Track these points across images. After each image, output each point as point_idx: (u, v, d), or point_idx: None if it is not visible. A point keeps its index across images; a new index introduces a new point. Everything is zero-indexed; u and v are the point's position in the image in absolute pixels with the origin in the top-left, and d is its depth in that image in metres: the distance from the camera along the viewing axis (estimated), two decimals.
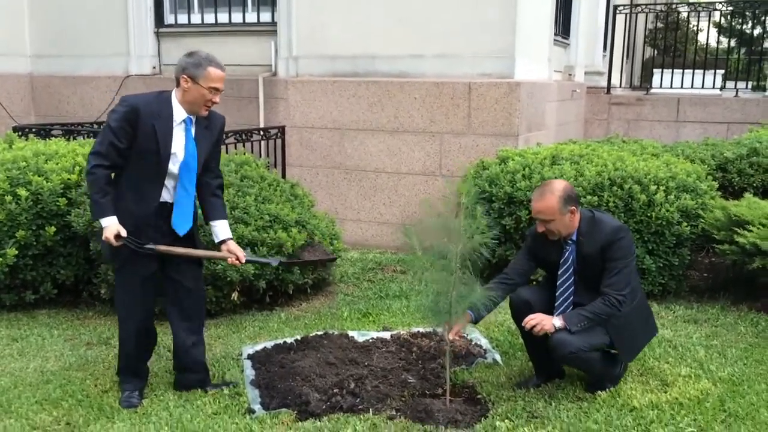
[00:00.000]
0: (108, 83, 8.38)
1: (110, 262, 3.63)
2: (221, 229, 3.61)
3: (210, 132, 3.52)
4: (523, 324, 3.51)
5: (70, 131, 7.00)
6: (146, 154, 3.33)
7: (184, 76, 3.31)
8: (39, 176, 4.82)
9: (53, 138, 6.48)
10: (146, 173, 3.37)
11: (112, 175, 3.37)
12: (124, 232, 3.31)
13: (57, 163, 5.01)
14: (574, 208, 3.48)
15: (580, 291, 3.60)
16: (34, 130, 7.04)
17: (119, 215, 3.33)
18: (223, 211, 3.66)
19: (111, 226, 3.29)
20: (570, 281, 3.61)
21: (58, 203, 4.78)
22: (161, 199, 3.43)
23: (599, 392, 3.61)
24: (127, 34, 8.31)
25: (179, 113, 3.37)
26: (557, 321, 3.43)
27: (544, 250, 3.65)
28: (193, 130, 3.43)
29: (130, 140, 3.29)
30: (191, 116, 3.41)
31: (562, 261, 3.60)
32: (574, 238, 3.56)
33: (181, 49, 8.14)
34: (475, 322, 3.65)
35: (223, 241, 3.61)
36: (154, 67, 8.36)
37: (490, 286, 3.60)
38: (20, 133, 6.67)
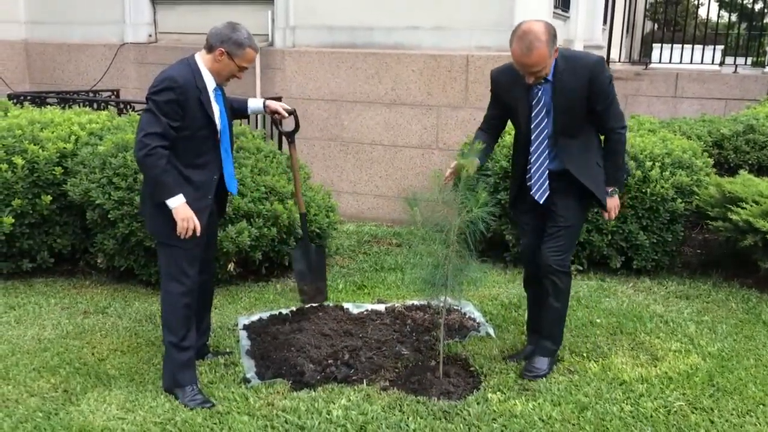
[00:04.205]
0: (103, 51, 8.31)
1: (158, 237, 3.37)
2: (254, 102, 3.75)
3: (226, 97, 3.49)
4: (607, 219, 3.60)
5: (65, 99, 6.97)
6: (200, 128, 3.25)
7: (222, 49, 3.23)
8: (35, 145, 4.81)
9: (48, 106, 6.46)
10: (204, 147, 3.29)
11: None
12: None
13: (53, 132, 5.00)
14: (557, 46, 3.23)
15: (557, 137, 3.39)
16: (29, 97, 7.01)
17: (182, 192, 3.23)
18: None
19: (183, 206, 3.18)
20: (545, 122, 3.39)
21: (54, 172, 4.78)
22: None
23: (589, 365, 3.66)
24: (122, 1, 8.23)
25: (210, 82, 3.28)
26: (611, 201, 3.48)
27: (508, 94, 3.43)
28: (222, 99, 3.41)
29: (180, 119, 3.18)
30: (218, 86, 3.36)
31: (534, 102, 3.36)
32: (550, 77, 3.30)
33: (177, 17, 8.20)
34: (481, 167, 3.40)
35: (264, 103, 3.75)
36: (150, 36, 8.29)
37: (479, 138, 3.45)
38: (15, 101, 6.63)
